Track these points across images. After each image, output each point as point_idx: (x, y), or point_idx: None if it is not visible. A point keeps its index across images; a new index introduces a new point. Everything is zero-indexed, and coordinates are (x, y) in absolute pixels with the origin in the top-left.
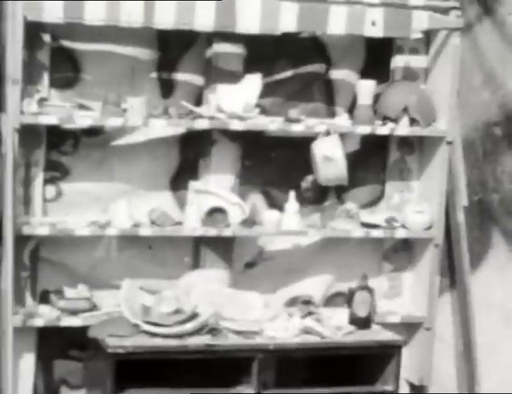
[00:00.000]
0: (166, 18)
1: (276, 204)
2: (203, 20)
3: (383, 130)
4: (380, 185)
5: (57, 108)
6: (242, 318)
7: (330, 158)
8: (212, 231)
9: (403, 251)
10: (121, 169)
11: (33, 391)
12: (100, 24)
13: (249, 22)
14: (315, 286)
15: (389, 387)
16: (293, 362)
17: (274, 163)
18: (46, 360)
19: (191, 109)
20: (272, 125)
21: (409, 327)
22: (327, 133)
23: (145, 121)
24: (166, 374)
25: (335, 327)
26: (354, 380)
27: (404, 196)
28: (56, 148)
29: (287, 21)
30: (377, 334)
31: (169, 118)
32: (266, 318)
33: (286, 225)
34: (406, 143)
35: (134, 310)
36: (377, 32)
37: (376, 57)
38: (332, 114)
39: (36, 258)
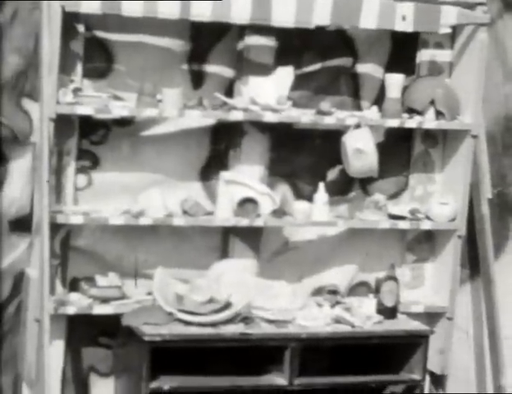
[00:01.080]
0: (203, 10)
1: (302, 195)
2: (239, 12)
3: (411, 123)
4: (403, 176)
5: (92, 98)
6: (272, 307)
7: (361, 151)
8: (244, 221)
9: (426, 242)
10: (151, 159)
11: (62, 377)
12: (137, 15)
13: (284, 15)
14: (340, 275)
15: (415, 376)
16: (320, 351)
17: (301, 155)
18: (75, 347)
19: (225, 101)
20: (305, 117)
21: (430, 317)
22: (358, 126)
23: (181, 112)
24: (197, 362)
25: (364, 316)
26: (380, 369)
27: (427, 188)
28: (87, 137)
29: (321, 15)
30: (404, 323)
31: (204, 109)
32: (295, 307)
33: (316, 215)
34: (430, 136)
35: (167, 299)
36: (407, 27)
37: (400, 51)
38: (358, 107)
39: (66, 246)
